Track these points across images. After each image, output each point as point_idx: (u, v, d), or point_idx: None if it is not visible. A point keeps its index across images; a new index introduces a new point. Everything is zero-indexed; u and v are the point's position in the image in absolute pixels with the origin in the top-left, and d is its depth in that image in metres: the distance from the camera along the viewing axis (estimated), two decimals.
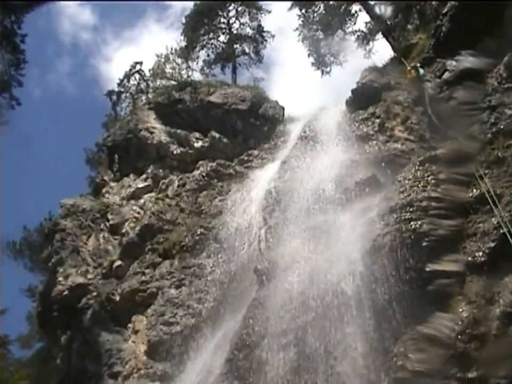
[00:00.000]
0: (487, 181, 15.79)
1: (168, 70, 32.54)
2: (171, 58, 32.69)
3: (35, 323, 31.98)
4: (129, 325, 22.27)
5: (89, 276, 25.09)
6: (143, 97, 37.35)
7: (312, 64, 36.74)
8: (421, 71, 21.90)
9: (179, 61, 32.81)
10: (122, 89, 40.35)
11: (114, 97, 40.83)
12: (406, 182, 16.99)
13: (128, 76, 39.97)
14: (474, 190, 15.88)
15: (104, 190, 29.45)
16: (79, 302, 24.33)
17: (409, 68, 22.79)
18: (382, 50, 31.40)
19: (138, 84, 39.62)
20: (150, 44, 78.65)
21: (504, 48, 18.68)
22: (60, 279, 25.24)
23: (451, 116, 19.25)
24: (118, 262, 24.47)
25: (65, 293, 24.76)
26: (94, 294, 24.19)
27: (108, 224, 26.77)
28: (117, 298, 22.95)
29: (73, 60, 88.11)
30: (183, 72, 32.41)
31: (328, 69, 36.76)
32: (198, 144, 28.54)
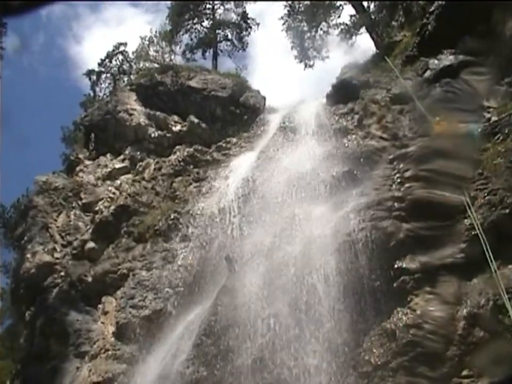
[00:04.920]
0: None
1: (151, 52, 32.36)
2: (155, 41, 32.49)
3: (8, 300, 31.75)
4: (99, 306, 22.20)
5: (57, 255, 24.75)
6: (125, 79, 37.07)
7: (295, 56, 36.63)
8: (475, 128, 17.50)
9: (163, 44, 32.59)
10: (103, 69, 39.89)
11: (94, 77, 40.35)
12: (379, 179, 17.18)
13: (110, 56, 39.45)
14: (448, 191, 15.99)
15: (78, 168, 29.11)
16: (45, 280, 24.11)
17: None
18: (365, 45, 31.38)
19: (121, 64, 39.21)
20: (123, 26, 77.06)
21: (491, 49, 18.71)
22: (28, 256, 24.97)
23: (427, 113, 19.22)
24: (91, 244, 24.26)
25: (33, 270, 24.50)
26: (62, 273, 23.93)
27: (80, 203, 26.51)
28: (90, 279, 22.84)
29: (46, 38, 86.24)
30: (166, 55, 32.24)
31: (311, 63, 36.67)
32: (176, 128, 28.36)
